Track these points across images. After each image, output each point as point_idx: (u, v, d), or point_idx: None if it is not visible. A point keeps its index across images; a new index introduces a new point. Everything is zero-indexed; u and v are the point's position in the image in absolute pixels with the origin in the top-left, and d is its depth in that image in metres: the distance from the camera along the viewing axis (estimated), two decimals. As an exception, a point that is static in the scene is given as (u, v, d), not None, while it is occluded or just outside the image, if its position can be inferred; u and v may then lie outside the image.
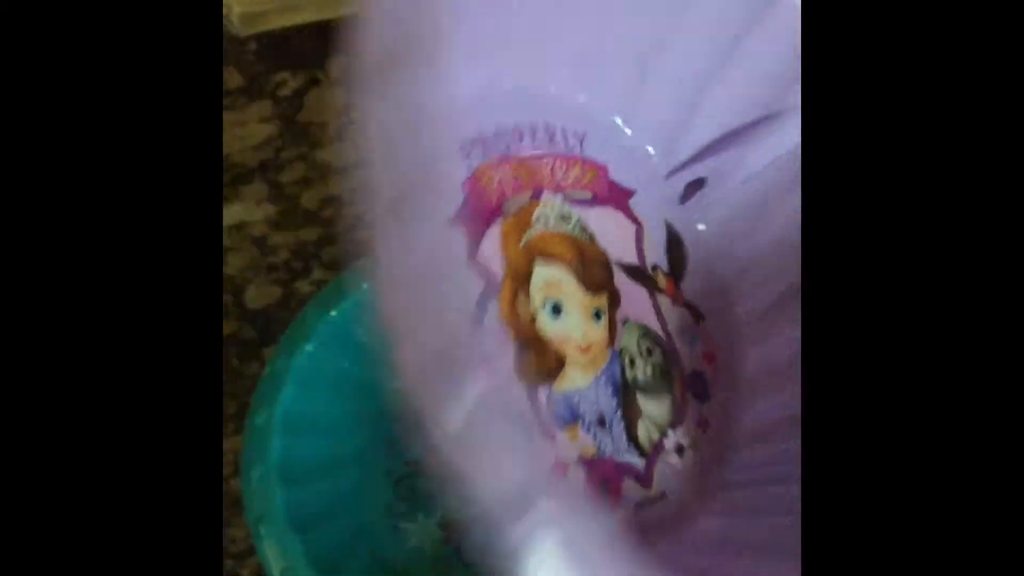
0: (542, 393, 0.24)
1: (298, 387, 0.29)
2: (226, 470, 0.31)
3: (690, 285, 0.28)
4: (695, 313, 0.27)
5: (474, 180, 0.24)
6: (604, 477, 0.25)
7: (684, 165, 0.28)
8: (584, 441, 0.25)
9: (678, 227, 0.28)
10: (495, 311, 0.24)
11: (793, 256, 0.25)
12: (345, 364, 0.31)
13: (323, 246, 0.34)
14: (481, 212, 0.24)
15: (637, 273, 0.27)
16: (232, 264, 0.34)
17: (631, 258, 0.27)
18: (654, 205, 0.28)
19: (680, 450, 0.26)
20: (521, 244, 0.25)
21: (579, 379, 0.25)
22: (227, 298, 0.34)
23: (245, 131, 0.36)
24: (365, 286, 0.30)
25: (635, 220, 0.27)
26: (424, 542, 0.30)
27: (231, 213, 0.35)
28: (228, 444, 0.32)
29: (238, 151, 0.36)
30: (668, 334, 0.27)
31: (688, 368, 0.27)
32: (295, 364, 0.29)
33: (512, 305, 0.24)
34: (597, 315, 0.26)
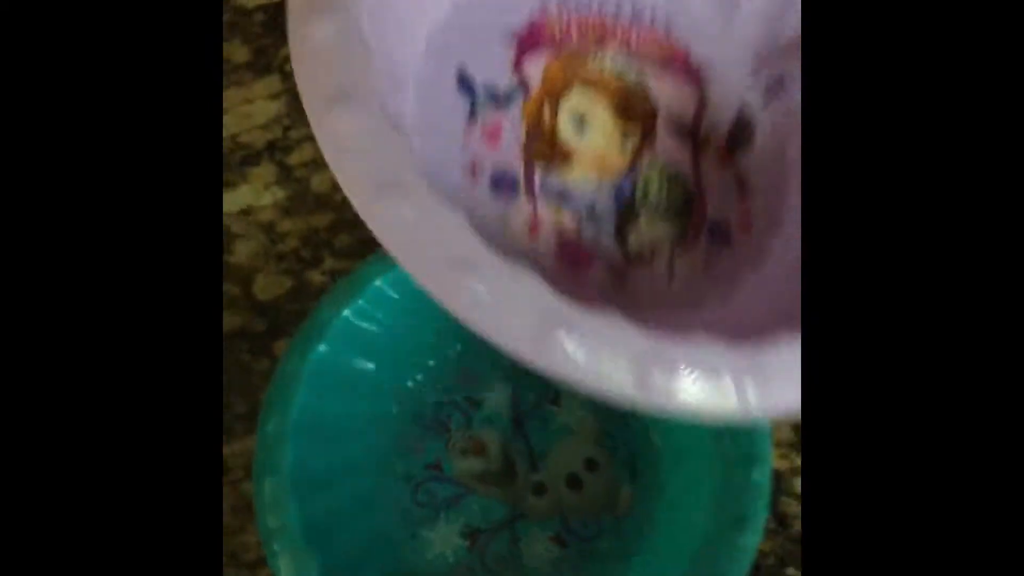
0: (538, 170, 0.26)
1: (311, 391, 0.27)
2: (238, 473, 0.30)
3: (747, 163, 0.28)
4: (742, 185, 0.28)
5: (541, 12, 0.27)
6: (575, 252, 0.26)
7: (767, 62, 0.28)
8: (566, 218, 0.26)
9: (753, 115, 0.28)
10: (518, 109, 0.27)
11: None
12: (360, 365, 0.29)
13: (336, 233, 0.32)
14: (536, 37, 0.27)
15: (685, 131, 0.28)
16: (239, 252, 0.32)
17: (685, 120, 0.28)
18: (733, 92, 0.28)
19: (671, 265, 0.27)
20: (566, 72, 0.27)
21: (582, 176, 0.27)
22: (235, 289, 0.32)
23: (252, 108, 0.34)
24: (378, 281, 0.28)
25: (702, 96, 0.28)
26: (446, 549, 0.29)
27: (238, 197, 0.33)
28: (240, 445, 0.30)
29: (245, 130, 0.34)
30: (700, 187, 0.28)
31: (713, 215, 0.28)
32: (307, 366, 0.27)
33: (538, 107, 0.27)
34: (624, 136, 0.27)
